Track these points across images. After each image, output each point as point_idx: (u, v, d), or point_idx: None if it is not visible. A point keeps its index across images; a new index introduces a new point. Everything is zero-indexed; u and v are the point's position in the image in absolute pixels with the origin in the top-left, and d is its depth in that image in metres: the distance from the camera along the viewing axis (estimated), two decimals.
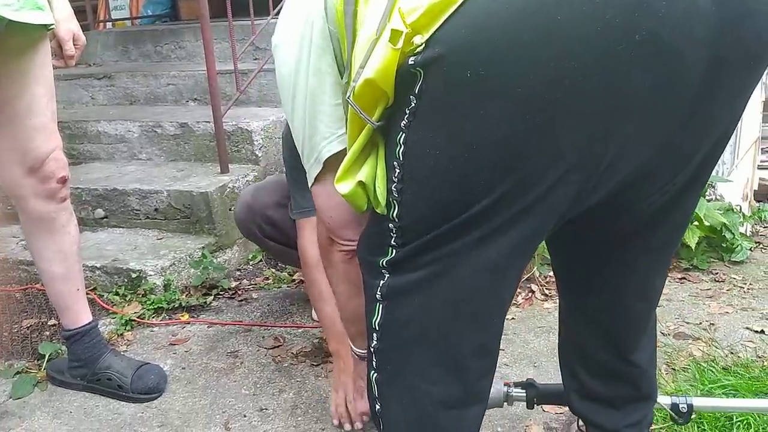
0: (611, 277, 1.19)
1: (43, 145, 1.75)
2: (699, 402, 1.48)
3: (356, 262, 1.16)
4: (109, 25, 5.29)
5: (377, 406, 1.11)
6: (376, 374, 1.10)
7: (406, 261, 1.00)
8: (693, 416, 1.49)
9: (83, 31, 1.83)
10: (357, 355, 1.42)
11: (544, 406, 1.77)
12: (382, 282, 1.04)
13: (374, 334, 1.08)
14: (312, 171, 1.14)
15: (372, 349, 1.09)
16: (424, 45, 0.86)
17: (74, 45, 1.78)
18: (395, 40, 0.87)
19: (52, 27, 1.69)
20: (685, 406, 1.43)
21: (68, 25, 1.76)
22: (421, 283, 1.00)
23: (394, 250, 1.02)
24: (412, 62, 0.88)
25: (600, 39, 0.81)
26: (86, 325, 1.99)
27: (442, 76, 0.87)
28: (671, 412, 1.45)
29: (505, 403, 1.51)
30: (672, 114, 0.91)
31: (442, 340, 1.03)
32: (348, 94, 0.96)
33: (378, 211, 1.02)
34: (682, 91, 0.89)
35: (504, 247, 0.96)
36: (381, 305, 1.05)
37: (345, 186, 1.02)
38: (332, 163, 1.10)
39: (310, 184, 1.17)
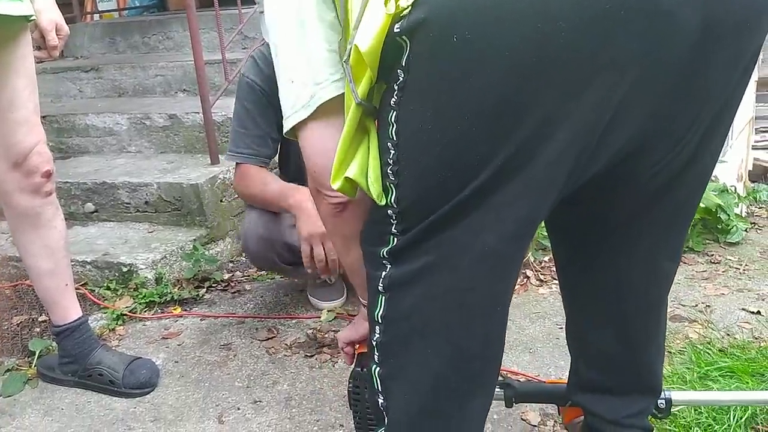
0: (615, 259, 1.17)
1: (26, 139, 1.72)
2: (678, 396, 1.45)
3: (345, 216, 1.11)
4: (96, 16, 5.25)
5: (380, 400, 1.08)
6: (379, 368, 1.07)
7: (407, 250, 0.98)
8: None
9: (70, 23, 1.80)
10: (363, 305, 1.37)
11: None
12: (384, 273, 1.02)
13: (377, 327, 1.05)
14: (296, 116, 1.04)
15: (374, 343, 1.06)
16: (410, 8, 0.84)
17: (57, 35, 1.75)
18: (386, 1, 0.84)
19: (32, 18, 1.65)
20: (664, 401, 1.40)
21: (50, 15, 1.72)
22: (421, 273, 0.97)
23: (394, 239, 0.99)
24: (398, 29, 0.85)
25: None
26: (76, 320, 1.96)
27: (428, 43, 0.85)
28: (651, 409, 1.42)
29: None
30: (663, 78, 0.89)
31: (445, 330, 1.00)
32: (345, 56, 0.92)
33: (375, 201, 0.99)
34: (673, 55, 0.87)
35: (503, 231, 0.93)
36: (383, 297, 1.03)
37: (339, 182, 0.98)
38: (323, 109, 1.02)
39: (288, 127, 1.07)
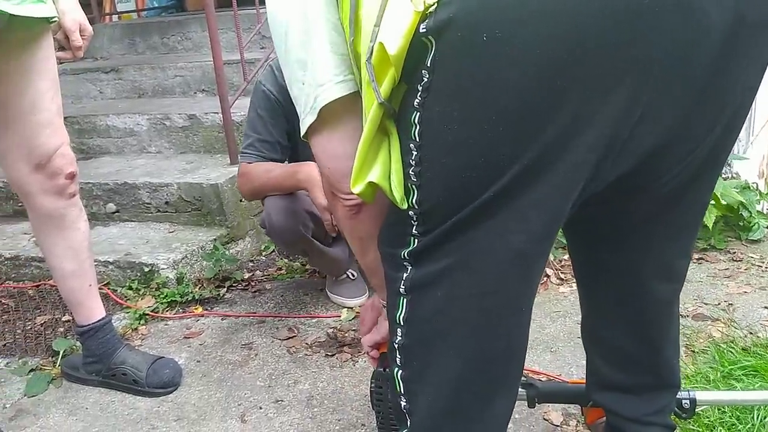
0: (629, 258, 1.16)
1: (49, 140, 1.73)
2: (702, 396, 1.43)
3: (361, 217, 1.11)
4: (115, 17, 5.28)
5: (403, 403, 1.07)
6: (401, 371, 1.06)
7: (429, 251, 0.97)
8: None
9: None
10: (384, 306, 1.37)
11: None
12: (405, 275, 1.00)
13: (398, 330, 1.04)
14: (306, 120, 1.04)
15: (396, 345, 1.05)
16: (435, 5, 0.83)
17: (81, 36, 1.76)
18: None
19: (54, 20, 1.67)
20: (688, 401, 1.38)
21: (74, 16, 1.73)
22: (444, 274, 0.96)
23: (415, 240, 0.98)
24: (424, 29, 0.84)
25: None
26: (100, 320, 1.98)
27: (456, 43, 0.83)
28: (675, 408, 1.39)
29: None
30: (691, 76, 0.88)
31: (469, 332, 0.99)
32: (367, 55, 0.91)
33: (397, 205, 0.98)
34: (702, 52, 0.85)
35: (529, 232, 0.92)
36: (404, 299, 1.02)
37: (361, 186, 0.98)
38: (329, 112, 1.02)
39: (303, 130, 1.07)
